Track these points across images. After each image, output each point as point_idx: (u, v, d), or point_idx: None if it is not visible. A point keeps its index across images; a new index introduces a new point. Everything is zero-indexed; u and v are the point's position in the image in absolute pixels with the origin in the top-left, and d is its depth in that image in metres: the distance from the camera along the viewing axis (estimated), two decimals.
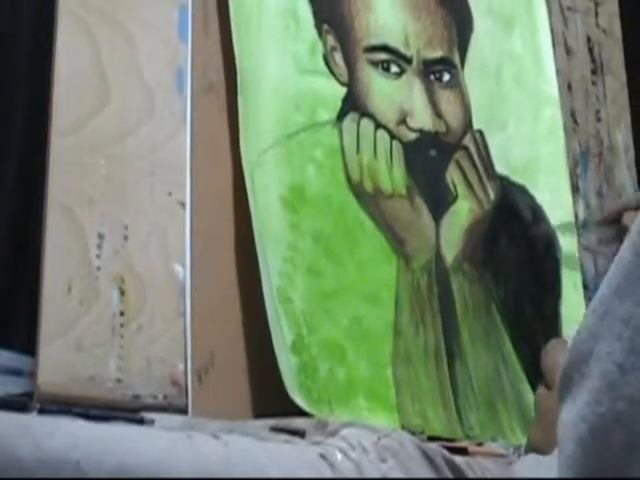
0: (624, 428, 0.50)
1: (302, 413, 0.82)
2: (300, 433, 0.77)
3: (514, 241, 1.02)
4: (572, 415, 0.52)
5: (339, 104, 0.95)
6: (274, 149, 0.90)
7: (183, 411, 0.80)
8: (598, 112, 1.18)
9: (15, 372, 0.82)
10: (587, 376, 0.52)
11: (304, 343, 0.86)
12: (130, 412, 0.75)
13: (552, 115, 1.08)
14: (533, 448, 0.73)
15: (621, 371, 0.50)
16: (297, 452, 0.74)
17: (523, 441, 0.88)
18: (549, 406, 0.73)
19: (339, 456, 0.74)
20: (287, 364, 0.84)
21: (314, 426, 0.78)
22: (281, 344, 0.84)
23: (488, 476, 0.83)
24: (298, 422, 0.79)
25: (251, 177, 0.88)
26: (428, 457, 0.78)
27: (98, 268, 0.81)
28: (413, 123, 0.98)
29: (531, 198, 1.03)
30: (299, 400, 0.82)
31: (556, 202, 1.04)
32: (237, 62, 0.89)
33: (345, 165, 0.93)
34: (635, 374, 0.50)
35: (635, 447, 0.50)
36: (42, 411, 0.72)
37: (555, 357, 0.76)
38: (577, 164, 1.14)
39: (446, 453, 0.80)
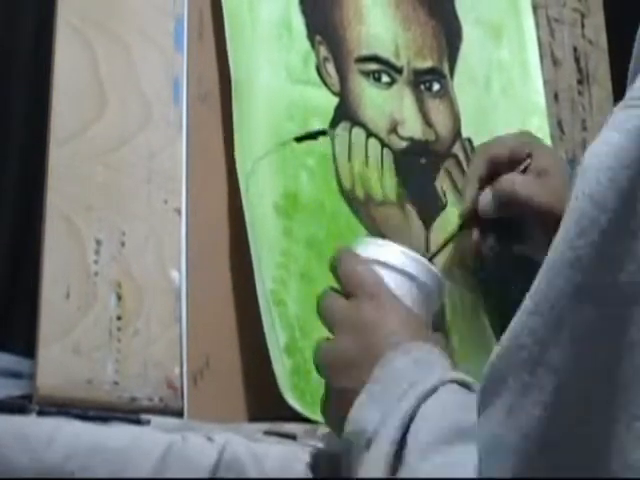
0: (574, 445, 0.47)
1: (295, 416, 0.82)
2: (291, 437, 0.78)
3: (503, 247, 1.03)
4: (507, 426, 0.48)
5: (331, 113, 0.95)
6: (268, 157, 0.91)
7: (179, 413, 0.81)
8: (584, 121, 1.18)
9: (15, 375, 0.83)
10: (532, 385, 0.48)
11: (297, 346, 0.86)
12: (127, 414, 0.76)
13: (539, 124, 1.09)
14: (337, 359, 0.66)
15: (577, 386, 0.47)
16: (286, 456, 0.74)
17: None
18: (353, 315, 0.67)
19: None
20: (281, 367, 0.84)
21: (305, 431, 0.79)
22: (275, 347, 0.85)
23: None
24: (290, 426, 0.79)
25: (245, 185, 0.89)
26: None
27: (96, 273, 0.81)
28: (403, 132, 0.99)
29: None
30: (292, 402, 0.83)
31: None
32: (231, 72, 0.89)
33: (337, 173, 0.94)
34: (589, 388, 0.46)
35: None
36: (41, 413, 0.73)
37: (351, 264, 0.69)
38: None
39: None
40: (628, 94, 0.51)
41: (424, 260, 0.76)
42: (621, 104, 0.51)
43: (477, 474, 0.51)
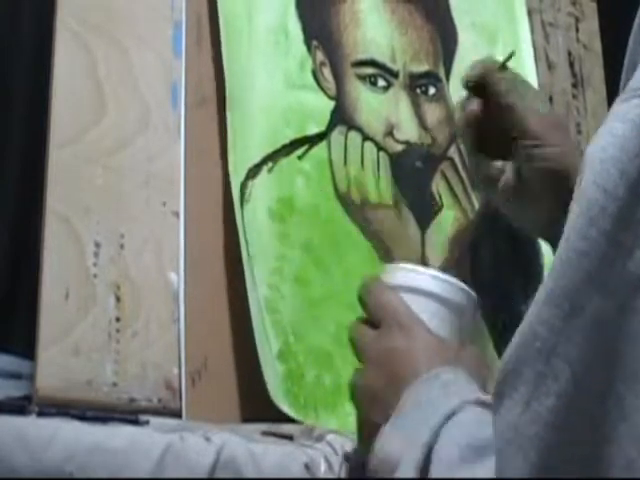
0: (590, 435, 0.47)
1: (290, 418, 0.83)
2: (288, 437, 0.78)
3: (498, 249, 1.04)
4: (525, 417, 0.49)
5: (328, 117, 0.96)
6: (264, 161, 0.92)
7: (177, 414, 0.81)
8: (579, 125, 1.19)
9: (15, 376, 0.83)
10: (547, 376, 0.48)
11: (291, 351, 0.87)
12: (126, 415, 0.76)
13: None
14: (365, 392, 0.66)
15: (592, 377, 0.47)
16: (283, 457, 0.75)
17: None
18: (381, 346, 0.66)
19: (322, 467, 0.75)
20: (273, 373, 0.85)
21: (301, 431, 0.79)
22: (267, 354, 0.85)
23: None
24: (287, 427, 0.80)
25: (239, 189, 0.89)
26: None
27: (95, 275, 0.82)
28: (399, 135, 1.00)
29: None
30: (285, 407, 0.83)
31: None
32: (227, 77, 0.90)
33: (333, 176, 0.95)
34: (605, 379, 0.47)
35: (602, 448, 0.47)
36: (41, 414, 0.73)
37: (379, 293, 0.69)
38: None
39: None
40: (628, 86, 0.52)
41: (454, 280, 0.74)
42: (622, 96, 0.51)
43: None
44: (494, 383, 0.55)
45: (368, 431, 0.66)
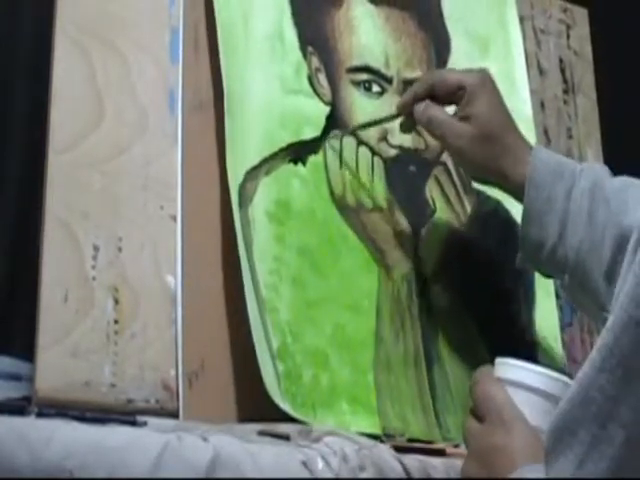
0: None
1: (287, 417, 0.84)
2: (285, 437, 0.79)
3: (490, 252, 1.05)
4: (580, 478, 0.50)
5: (323, 122, 0.97)
6: (261, 166, 0.93)
7: (174, 415, 0.82)
8: (570, 130, 1.20)
9: (14, 377, 0.83)
10: (603, 439, 0.49)
11: (289, 351, 0.88)
12: (124, 415, 0.77)
13: (526, 132, 1.08)
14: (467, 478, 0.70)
15: None
16: (280, 457, 0.75)
17: None
18: (483, 440, 0.70)
19: (320, 465, 0.76)
20: (272, 371, 0.86)
21: (298, 432, 0.80)
22: (265, 352, 0.86)
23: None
24: (284, 427, 0.80)
25: (237, 192, 0.90)
26: (407, 469, 0.80)
27: (93, 278, 0.82)
28: (393, 140, 1.00)
29: (506, 211, 1.05)
30: (284, 405, 0.84)
31: None
32: (224, 83, 0.91)
33: (329, 180, 0.96)
34: None
35: None
36: (40, 415, 0.73)
37: (486, 387, 0.73)
38: None
39: (425, 465, 0.82)
40: None
41: (555, 374, 0.77)
42: None
43: None
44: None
45: None
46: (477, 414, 0.73)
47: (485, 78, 0.93)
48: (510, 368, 0.75)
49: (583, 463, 0.51)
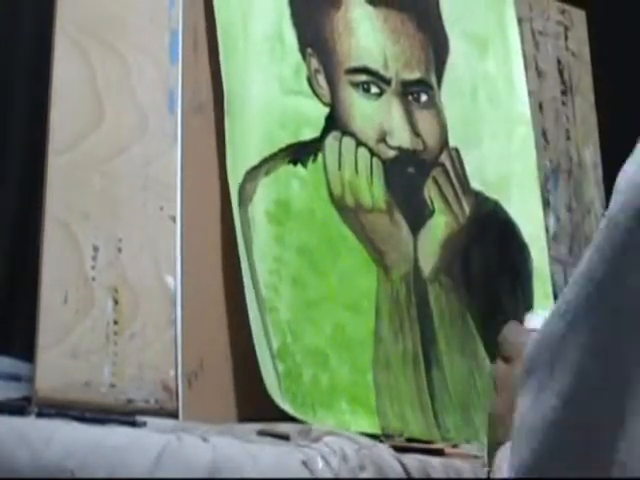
0: (585, 434, 0.52)
1: (286, 417, 0.84)
2: (285, 437, 0.79)
3: (488, 253, 1.05)
4: (532, 412, 0.54)
5: (322, 123, 0.98)
6: (260, 166, 0.93)
7: (174, 414, 0.82)
8: (568, 131, 1.21)
9: (15, 378, 0.83)
10: (553, 377, 0.53)
11: (289, 350, 0.88)
12: (123, 415, 0.77)
13: (524, 134, 1.11)
14: (495, 420, 0.73)
15: (591, 381, 0.51)
16: (280, 457, 0.76)
17: None
18: (508, 377, 0.74)
19: (320, 464, 0.76)
20: (272, 371, 0.86)
21: (298, 431, 0.80)
22: (266, 352, 0.86)
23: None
24: (283, 427, 0.81)
25: (238, 192, 0.90)
26: (406, 469, 0.80)
27: (93, 279, 0.83)
28: (392, 141, 1.01)
29: (504, 212, 1.06)
30: (284, 405, 0.84)
31: (528, 216, 1.07)
32: (224, 84, 0.91)
33: (328, 181, 0.96)
34: (603, 384, 0.51)
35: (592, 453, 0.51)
36: (40, 415, 0.74)
37: (515, 335, 0.76)
38: (548, 180, 1.17)
39: (424, 464, 0.82)
40: None
41: None
42: None
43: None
44: None
45: (494, 449, 0.72)
46: (504, 356, 0.77)
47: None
48: (536, 318, 0.78)
49: (537, 398, 0.54)
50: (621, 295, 0.51)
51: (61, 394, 0.79)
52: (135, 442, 0.72)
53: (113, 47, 0.89)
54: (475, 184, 1.06)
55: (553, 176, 1.18)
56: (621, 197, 0.52)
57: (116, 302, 0.83)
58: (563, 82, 1.21)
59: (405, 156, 1.02)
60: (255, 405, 0.86)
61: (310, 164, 0.96)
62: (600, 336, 0.52)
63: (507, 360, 0.76)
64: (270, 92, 0.95)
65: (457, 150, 1.06)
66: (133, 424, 0.77)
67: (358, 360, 0.92)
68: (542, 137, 1.17)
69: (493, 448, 0.72)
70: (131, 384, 0.82)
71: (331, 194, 0.96)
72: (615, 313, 0.52)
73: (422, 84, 1.05)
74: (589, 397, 0.52)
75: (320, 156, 0.97)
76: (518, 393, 0.57)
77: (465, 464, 0.86)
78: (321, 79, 0.99)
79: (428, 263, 1.00)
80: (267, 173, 0.93)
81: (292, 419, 0.84)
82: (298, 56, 0.98)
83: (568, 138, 1.20)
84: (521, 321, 0.79)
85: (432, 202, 1.03)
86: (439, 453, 0.89)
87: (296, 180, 0.95)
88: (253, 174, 0.92)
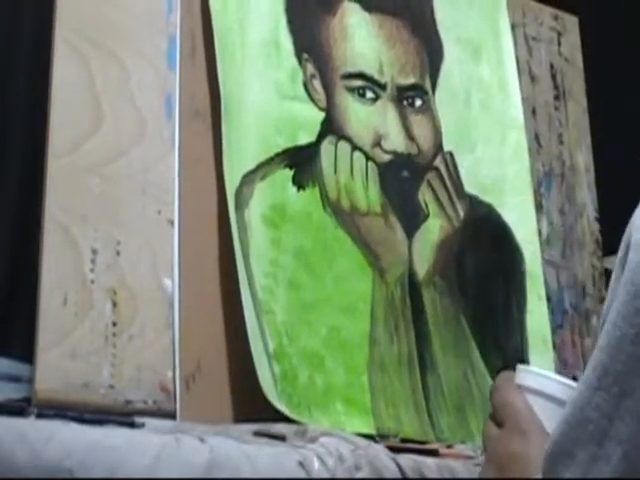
0: None
1: (283, 418, 0.85)
2: (281, 438, 0.80)
3: (482, 256, 1.06)
4: None
5: (318, 128, 0.98)
6: (257, 170, 0.94)
7: (172, 415, 0.83)
8: (561, 135, 1.21)
9: (14, 379, 0.83)
10: (601, 457, 0.50)
11: (285, 352, 0.89)
12: (122, 416, 0.78)
13: (518, 138, 1.12)
14: None
15: None
16: (276, 457, 0.76)
17: None
18: (501, 446, 0.70)
19: (316, 465, 0.76)
20: (269, 372, 0.87)
21: (294, 432, 0.81)
22: (262, 354, 0.87)
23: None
24: (279, 427, 0.81)
25: (234, 196, 0.91)
26: (402, 469, 0.81)
27: (92, 281, 0.83)
28: (387, 146, 1.02)
29: (498, 216, 1.07)
30: (280, 406, 0.85)
31: (521, 219, 1.08)
32: (221, 89, 0.92)
33: (324, 185, 0.97)
34: None
35: None
36: (40, 415, 0.74)
37: (506, 393, 0.73)
38: (541, 184, 1.18)
39: (419, 465, 0.82)
40: None
41: (575, 384, 0.77)
42: None
43: None
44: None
45: None
46: (496, 419, 0.73)
47: None
48: (530, 375, 0.76)
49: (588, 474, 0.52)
50: None
51: (60, 395, 0.79)
52: (133, 443, 0.72)
53: (112, 52, 0.90)
54: (469, 188, 1.07)
55: (546, 180, 1.18)
56: None
57: (115, 304, 0.84)
58: (556, 87, 1.22)
59: (400, 160, 1.03)
60: (252, 406, 0.86)
61: (306, 168, 0.97)
62: None
63: (498, 424, 0.72)
64: (266, 97, 0.96)
65: (451, 154, 1.07)
66: (131, 425, 0.77)
67: (353, 362, 0.93)
68: (535, 141, 1.18)
69: None
70: (129, 385, 0.82)
71: (327, 198, 0.97)
72: None
73: (417, 89, 1.06)
74: None
75: (316, 160, 0.98)
76: (545, 475, 0.54)
77: (459, 464, 0.86)
78: (317, 84, 1.00)
79: (423, 266, 1.01)
80: (263, 177, 0.94)
81: (288, 420, 0.85)
82: (294, 61, 0.99)
83: (561, 142, 1.21)
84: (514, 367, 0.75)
85: (427, 206, 1.04)
86: (434, 453, 0.89)
87: (292, 184, 0.95)
88: (250, 178, 0.93)
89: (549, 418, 0.73)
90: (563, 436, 0.53)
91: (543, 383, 0.75)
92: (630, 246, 0.51)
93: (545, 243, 1.14)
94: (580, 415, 0.52)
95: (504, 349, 1.00)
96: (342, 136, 1.00)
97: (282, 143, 0.96)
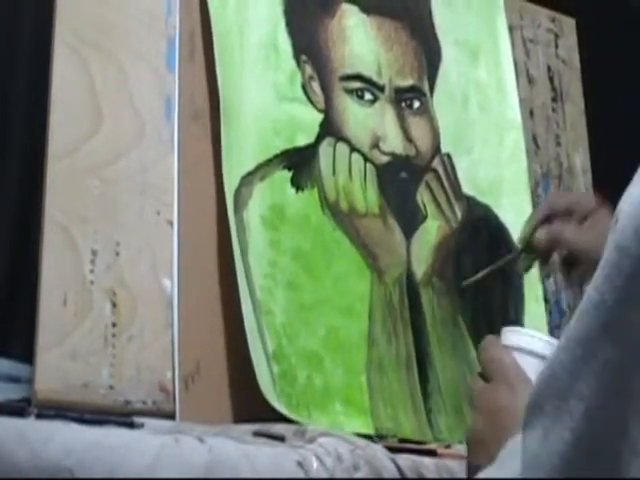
0: (602, 469, 0.51)
1: (282, 418, 0.85)
2: (280, 438, 0.80)
3: (480, 257, 1.06)
4: (544, 448, 0.53)
5: (316, 129, 0.99)
6: (255, 171, 0.94)
7: (171, 416, 0.83)
8: (558, 137, 1.22)
9: (14, 379, 0.84)
10: (564, 412, 0.52)
11: (284, 352, 0.89)
12: (121, 417, 0.78)
13: (515, 139, 1.12)
14: (474, 437, 0.73)
15: (604, 415, 0.51)
16: (275, 457, 0.76)
17: None
18: (489, 398, 0.73)
19: (315, 465, 0.76)
20: (267, 372, 0.87)
21: (293, 432, 0.81)
22: (261, 354, 0.87)
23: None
24: (278, 427, 0.81)
25: (233, 197, 0.91)
26: (400, 469, 0.81)
27: (92, 282, 0.84)
28: (385, 147, 1.02)
29: (496, 217, 1.07)
30: (279, 406, 0.85)
31: (519, 220, 1.06)
32: (220, 91, 0.92)
33: (322, 186, 0.97)
34: (618, 418, 0.50)
35: None
36: (39, 416, 0.75)
37: (493, 351, 0.76)
38: (538, 185, 1.18)
39: (417, 465, 0.83)
40: None
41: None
42: None
43: None
44: None
45: (473, 470, 0.71)
46: (484, 375, 0.76)
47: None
48: (516, 335, 0.78)
49: (547, 434, 0.54)
50: (633, 326, 0.50)
51: (60, 395, 0.80)
52: (133, 443, 0.73)
53: (111, 54, 0.90)
54: (467, 189, 1.07)
55: (543, 181, 1.19)
56: (628, 222, 0.51)
57: (114, 305, 0.84)
58: (553, 89, 1.23)
59: (398, 162, 1.03)
60: (251, 406, 0.87)
61: (305, 170, 0.97)
62: (613, 368, 0.51)
63: (486, 379, 0.75)
64: (265, 99, 0.96)
65: (449, 156, 1.07)
66: (131, 425, 0.77)
67: (352, 362, 0.93)
68: (533, 143, 1.19)
69: (473, 471, 0.71)
70: (129, 386, 0.83)
71: (325, 199, 0.97)
72: (627, 344, 0.51)
73: (415, 91, 1.06)
74: (604, 431, 0.52)
75: (314, 162, 0.98)
76: (522, 427, 0.56)
77: (457, 464, 0.86)
78: (315, 86, 1.00)
79: (421, 267, 1.01)
80: (262, 178, 0.94)
81: (287, 420, 0.85)
82: (293, 63, 0.99)
83: (558, 144, 1.22)
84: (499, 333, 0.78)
85: (425, 207, 1.04)
86: (432, 453, 0.89)
87: (291, 185, 0.96)
88: (248, 179, 0.93)
89: (534, 373, 0.75)
90: (537, 390, 0.56)
91: (528, 341, 0.77)
92: (618, 220, 0.53)
93: None
94: (549, 371, 0.54)
95: None
96: (340, 138, 1.00)
97: (281, 144, 0.96)
